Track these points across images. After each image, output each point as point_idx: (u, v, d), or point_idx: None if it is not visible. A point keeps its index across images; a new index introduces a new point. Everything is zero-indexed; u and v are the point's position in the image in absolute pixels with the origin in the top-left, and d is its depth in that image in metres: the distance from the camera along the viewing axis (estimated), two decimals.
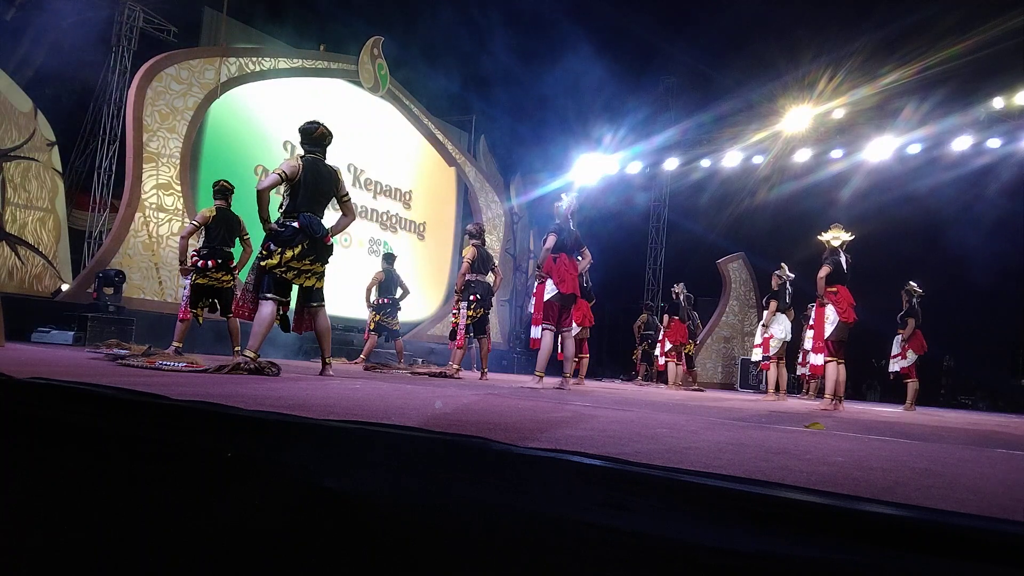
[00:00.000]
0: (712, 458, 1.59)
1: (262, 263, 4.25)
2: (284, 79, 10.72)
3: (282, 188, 4.36)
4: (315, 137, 4.42)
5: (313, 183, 4.30)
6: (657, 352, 10.12)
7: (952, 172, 11.37)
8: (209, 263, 5.73)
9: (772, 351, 7.90)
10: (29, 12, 8.64)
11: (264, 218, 4.15)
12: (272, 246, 4.20)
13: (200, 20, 10.22)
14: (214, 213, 5.81)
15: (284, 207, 4.31)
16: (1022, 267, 10.60)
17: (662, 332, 9.99)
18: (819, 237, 6.14)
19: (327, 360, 4.67)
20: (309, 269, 4.33)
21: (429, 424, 1.79)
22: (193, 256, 5.82)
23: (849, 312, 5.90)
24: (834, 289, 5.93)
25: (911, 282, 7.86)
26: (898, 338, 7.98)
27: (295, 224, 4.20)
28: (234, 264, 5.96)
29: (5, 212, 8.24)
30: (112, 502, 1.44)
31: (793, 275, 8.15)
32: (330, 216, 4.41)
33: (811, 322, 6.02)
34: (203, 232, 5.84)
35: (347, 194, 4.57)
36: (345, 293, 9.70)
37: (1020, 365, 11.66)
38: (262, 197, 4.09)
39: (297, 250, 4.19)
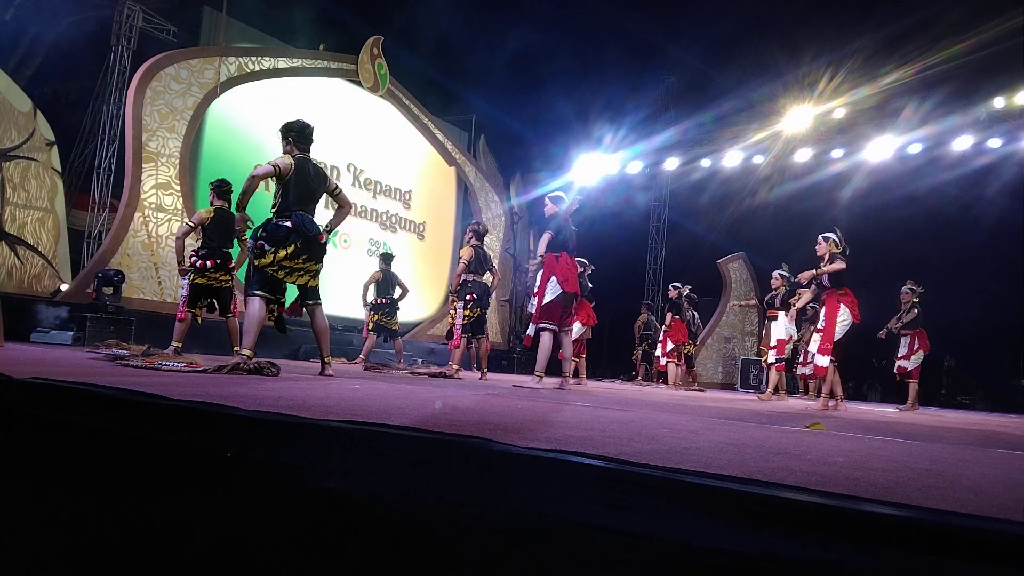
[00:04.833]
0: (712, 458, 1.59)
1: (255, 261, 4.27)
2: (284, 79, 10.72)
3: (272, 185, 4.41)
4: (307, 135, 4.50)
5: (304, 182, 4.37)
6: (659, 352, 10.04)
7: (953, 172, 11.36)
8: (208, 263, 5.74)
9: (787, 353, 7.88)
10: (28, 11, 8.63)
11: (242, 204, 4.21)
12: (266, 245, 4.23)
13: (200, 20, 10.21)
14: (212, 214, 5.81)
15: (276, 206, 4.34)
16: (1023, 267, 10.59)
17: (663, 332, 9.92)
18: (832, 249, 6.03)
19: (326, 359, 4.68)
20: (302, 267, 4.37)
21: (429, 424, 1.79)
22: (192, 256, 5.82)
23: (856, 313, 5.89)
24: (843, 291, 5.89)
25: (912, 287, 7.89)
26: (905, 339, 7.98)
27: (288, 224, 4.24)
28: (232, 264, 5.96)
29: (4, 212, 8.24)
30: (112, 502, 1.44)
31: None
32: (323, 215, 4.46)
33: (820, 324, 5.92)
34: (201, 232, 5.84)
35: (337, 186, 4.70)
36: (344, 293, 9.70)
37: (1020, 365, 11.65)
38: (252, 184, 4.15)
39: (291, 249, 4.23)
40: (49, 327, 7.53)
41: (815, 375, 5.73)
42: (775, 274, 8.19)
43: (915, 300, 7.93)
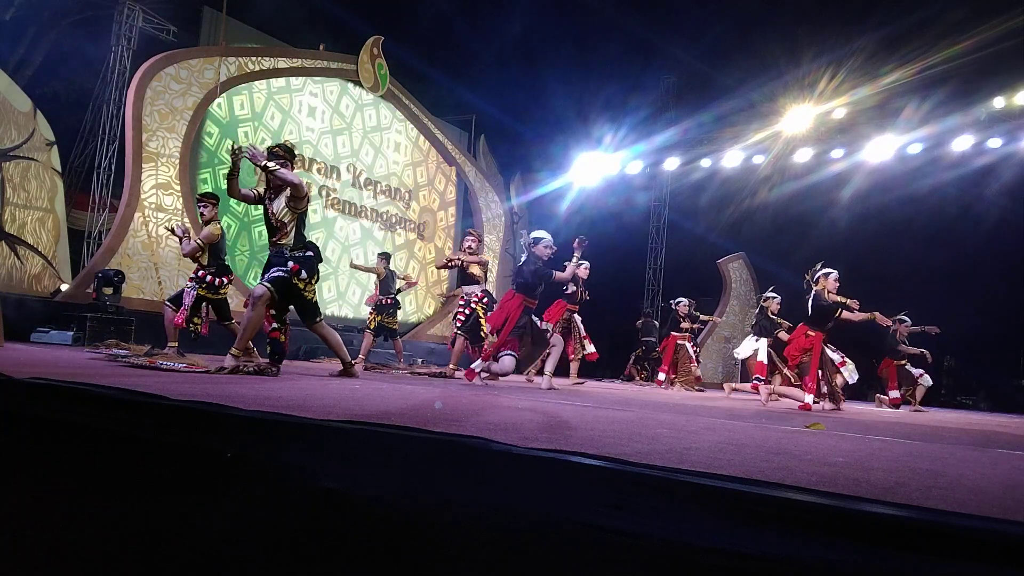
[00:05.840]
0: (712, 458, 1.59)
1: (292, 279, 4.33)
2: (284, 79, 10.71)
3: (284, 212, 4.39)
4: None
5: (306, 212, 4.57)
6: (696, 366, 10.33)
7: (953, 172, 11.35)
8: (225, 279, 5.83)
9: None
10: (28, 11, 8.64)
11: (262, 162, 4.20)
12: (303, 273, 4.36)
13: (200, 20, 10.21)
14: (220, 231, 5.85)
15: (293, 235, 4.37)
16: (1023, 267, 10.58)
17: (694, 354, 10.16)
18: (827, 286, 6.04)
19: (348, 361, 4.84)
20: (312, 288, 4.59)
21: (429, 424, 1.79)
22: (201, 272, 5.83)
23: None
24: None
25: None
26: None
27: (311, 253, 4.46)
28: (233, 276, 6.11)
29: (4, 212, 8.24)
30: (112, 502, 1.44)
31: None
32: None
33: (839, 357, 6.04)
34: (209, 249, 5.84)
35: None
36: (342, 294, 9.68)
37: (1021, 365, 11.64)
38: (280, 172, 4.21)
39: (317, 275, 4.53)
40: (49, 327, 7.52)
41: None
42: (775, 300, 8.34)
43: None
